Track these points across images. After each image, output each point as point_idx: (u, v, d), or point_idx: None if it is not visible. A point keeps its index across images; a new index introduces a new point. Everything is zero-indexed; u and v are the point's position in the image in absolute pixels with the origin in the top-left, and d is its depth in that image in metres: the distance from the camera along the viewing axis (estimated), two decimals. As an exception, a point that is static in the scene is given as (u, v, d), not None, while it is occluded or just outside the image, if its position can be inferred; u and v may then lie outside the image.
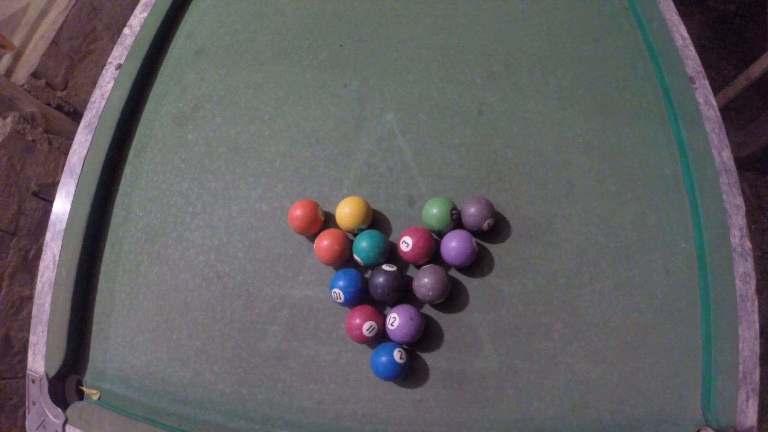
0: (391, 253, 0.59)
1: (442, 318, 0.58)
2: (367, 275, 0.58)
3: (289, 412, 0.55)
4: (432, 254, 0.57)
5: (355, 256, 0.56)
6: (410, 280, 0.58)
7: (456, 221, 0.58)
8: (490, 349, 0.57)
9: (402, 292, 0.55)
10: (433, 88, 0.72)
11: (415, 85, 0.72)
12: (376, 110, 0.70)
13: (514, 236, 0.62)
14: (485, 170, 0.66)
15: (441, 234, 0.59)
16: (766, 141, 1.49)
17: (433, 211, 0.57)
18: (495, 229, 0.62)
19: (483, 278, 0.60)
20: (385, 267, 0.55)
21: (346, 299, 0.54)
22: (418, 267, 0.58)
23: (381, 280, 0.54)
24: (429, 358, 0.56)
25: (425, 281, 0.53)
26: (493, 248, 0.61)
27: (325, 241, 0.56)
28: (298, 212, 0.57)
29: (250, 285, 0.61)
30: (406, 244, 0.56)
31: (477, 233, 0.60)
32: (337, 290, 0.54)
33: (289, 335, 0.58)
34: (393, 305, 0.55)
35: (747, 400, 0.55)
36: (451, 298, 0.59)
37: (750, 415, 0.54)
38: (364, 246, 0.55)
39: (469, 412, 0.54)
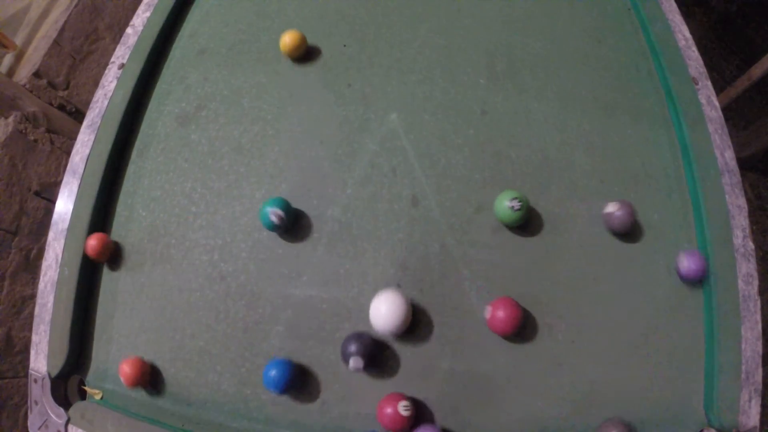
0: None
1: (446, 318, 0.58)
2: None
3: (292, 412, 0.55)
4: (519, 324, 0.54)
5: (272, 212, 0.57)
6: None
7: (518, 212, 0.57)
8: (495, 349, 0.57)
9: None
10: (436, 88, 0.72)
11: (418, 85, 0.72)
12: (380, 110, 0.70)
13: (518, 236, 0.62)
14: (489, 170, 0.66)
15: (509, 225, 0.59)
16: (767, 142, 1.49)
17: (506, 203, 0.58)
18: (499, 229, 0.62)
19: (487, 278, 0.60)
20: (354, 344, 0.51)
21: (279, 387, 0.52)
22: (506, 337, 0.56)
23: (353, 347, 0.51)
24: (433, 358, 0.56)
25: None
26: (497, 248, 0.61)
27: None
28: None
29: (254, 285, 0.61)
30: (492, 312, 0.54)
31: None
32: (271, 374, 0.52)
33: (293, 335, 0.58)
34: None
35: (749, 401, 0.55)
36: (455, 299, 0.59)
37: (752, 415, 0.54)
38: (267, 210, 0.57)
39: (473, 413, 0.54)
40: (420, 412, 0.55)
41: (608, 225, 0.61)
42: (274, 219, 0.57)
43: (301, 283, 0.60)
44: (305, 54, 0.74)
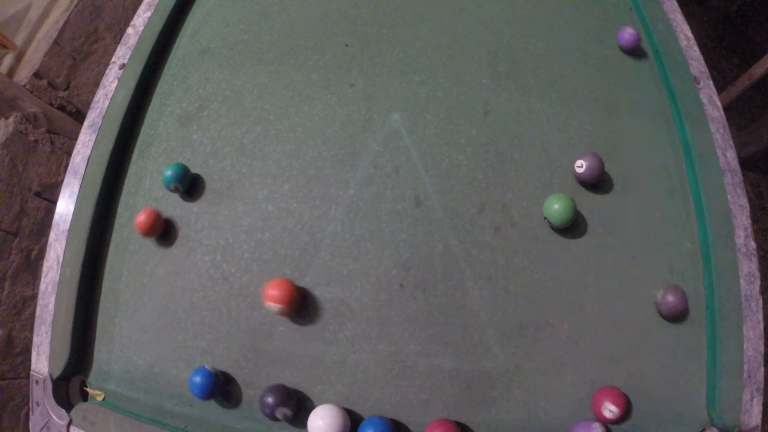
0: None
1: (449, 318, 0.58)
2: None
3: (295, 413, 0.55)
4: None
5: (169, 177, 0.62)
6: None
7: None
8: (497, 349, 0.57)
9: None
10: (439, 88, 0.72)
11: (421, 85, 0.72)
12: (383, 110, 0.70)
13: (521, 237, 0.62)
14: (492, 171, 0.66)
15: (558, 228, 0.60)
16: (767, 141, 1.49)
17: (555, 207, 0.58)
18: (501, 229, 0.62)
19: (490, 278, 0.60)
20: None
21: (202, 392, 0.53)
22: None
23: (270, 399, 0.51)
24: (436, 358, 0.56)
25: None
26: (500, 249, 0.61)
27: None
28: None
29: (256, 286, 0.61)
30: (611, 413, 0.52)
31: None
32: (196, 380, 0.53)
33: (296, 336, 0.58)
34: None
35: (751, 400, 0.55)
36: (458, 299, 0.59)
37: (754, 414, 0.55)
38: (169, 174, 0.62)
39: (476, 413, 0.54)
40: (425, 410, 0.55)
41: (579, 179, 0.64)
42: (172, 188, 0.62)
43: (304, 283, 0.60)
44: None
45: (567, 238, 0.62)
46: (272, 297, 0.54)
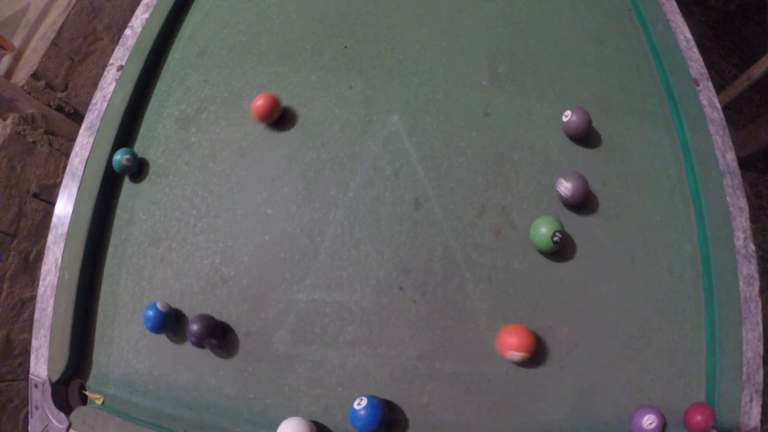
0: None
1: (449, 321, 0.58)
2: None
3: (295, 415, 0.55)
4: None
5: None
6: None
7: (558, 244, 0.57)
8: (497, 352, 0.57)
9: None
10: (438, 90, 0.72)
11: (420, 87, 0.72)
12: (382, 112, 0.70)
13: (520, 239, 0.62)
14: (492, 173, 0.66)
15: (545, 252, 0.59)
16: (766, 141, 1.49)
17: (542, 230, 0.57)
18: (501, 232, 0.62)
19: (489, 281, 0.60)
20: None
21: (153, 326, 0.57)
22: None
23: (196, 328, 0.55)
24: (436, 361, 0.56)
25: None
26: (500, 251, 0.61)
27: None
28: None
29: (256, 289, 0.61)
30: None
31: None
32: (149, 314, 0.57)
33: (296, 339, 0.58)
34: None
35: (751, 401, 0.55)
36: (458, 302, 0.59)
37: (753, 416, 0.55)
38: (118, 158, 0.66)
39: (476, 416, 0.54)
40: (425, 413, 0.55)
41: (567, 132, 0.66)
42: (125, 162, 0.66)
43: (304, 286, 0.60)
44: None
45: (567, 240, 0.62)
46: (512, 346, 0.52)
